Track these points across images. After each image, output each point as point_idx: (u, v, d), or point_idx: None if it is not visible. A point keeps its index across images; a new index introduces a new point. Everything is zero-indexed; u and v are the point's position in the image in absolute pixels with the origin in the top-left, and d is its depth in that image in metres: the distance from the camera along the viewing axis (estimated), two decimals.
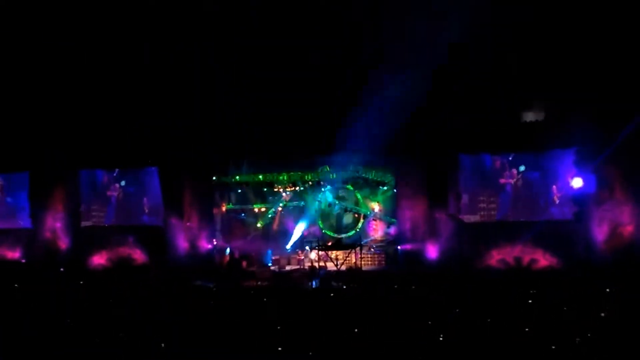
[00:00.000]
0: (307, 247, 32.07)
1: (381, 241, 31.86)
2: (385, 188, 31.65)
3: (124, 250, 31.19)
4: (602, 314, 18.25)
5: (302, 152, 30.12)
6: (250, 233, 33.28)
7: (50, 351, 16.65)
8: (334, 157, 30.37)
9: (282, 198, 32.78)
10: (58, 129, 30.95)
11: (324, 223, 32.51)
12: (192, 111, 29.72)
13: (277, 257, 32.14)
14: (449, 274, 26.10)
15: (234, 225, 33.49)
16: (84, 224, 32.40)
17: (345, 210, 32.34)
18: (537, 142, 27.12)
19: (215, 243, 31.88)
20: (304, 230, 32.66)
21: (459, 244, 27.64)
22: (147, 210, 31.74)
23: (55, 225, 32.07)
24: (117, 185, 32.21)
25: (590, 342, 15.58)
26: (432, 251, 28.01)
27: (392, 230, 31.12)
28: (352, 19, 26.71)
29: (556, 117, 27.48)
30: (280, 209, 33.03)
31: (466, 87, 27.64)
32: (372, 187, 31.92)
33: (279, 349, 15.85)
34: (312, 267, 29.95)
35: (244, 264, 31.69)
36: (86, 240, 31.99)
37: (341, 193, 32.45)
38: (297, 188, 32.31)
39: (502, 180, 27.82)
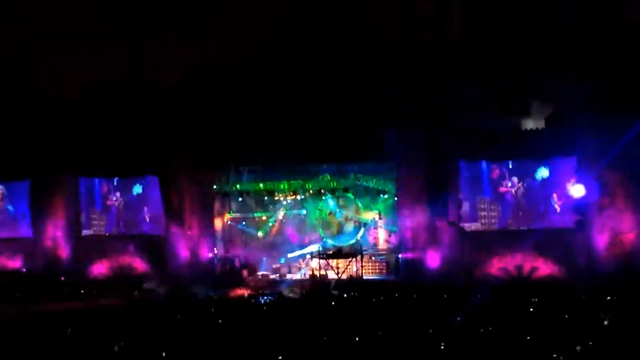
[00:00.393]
0: (307, 255, 32.00)
1: (382, 249, 31.80)
2: (385, 196, 31.59)
3: (125, 259, 31.15)
4: (605, 322, 18.20)
5: (302, 160, 30.10)
6: (251, 242, 33.22)
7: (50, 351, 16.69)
8: (334, 165, 30.36)
9: (282, 206, 32.75)
10: (59, 137, 30.95)
11: (325, 231, 32.46)
12: (193, 118, 29.72)
13: (277, 265, 32.10)
14: (450, 282, 26.06)
15: (234, 234, 33.44)
16: (84, 232, 32.37)
17: (346, 218, 32.29)
18: (538, 150, 27.12)
19: (216, 252, 31.84)
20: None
21: (459, 252, 27.60)
22: (147, 219, 31.73)
23: (55, 234, 32.02)
24: (118, 193, 32.20)
25: (592, 351, 15.52)
26: (433, 259, 27.96)
27: (393, 238, 31.07)
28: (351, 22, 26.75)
29: (557, 125, 27.50)
30: (281, 217, 32.97)
31: (466, 93, 27.64)
32: (372, 195, 31.86)
33: (280, 358, 15.80)
34: (312, 276, 29.92)
35: (245, 272, 31.66)
36: (87, 249, 31.96)
37: (342, 201, 32.40)
38: (298, 196, 32.26)
39: (502, 189, 27.82)
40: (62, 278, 30.52)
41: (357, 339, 17.26)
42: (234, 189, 32.43)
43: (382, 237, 32.02)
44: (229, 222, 33.19)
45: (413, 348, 16.42)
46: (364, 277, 29.64)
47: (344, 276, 29.73)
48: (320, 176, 31.38)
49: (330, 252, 31.34)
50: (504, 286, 25.20)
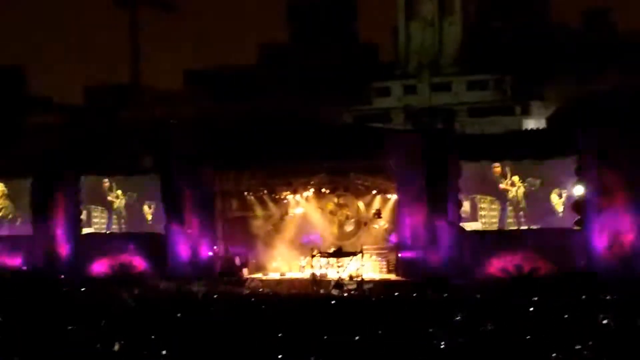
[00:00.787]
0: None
1: (382, 249, 31.82)
2: (386, 195, 31.61)
3: (125, 258, 31.19)
4: (604, 322, 18.23)
5: (304, 158, 30.12)
6: (252, 240, 33.24)
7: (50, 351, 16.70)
8: (335, 163, 30.37)
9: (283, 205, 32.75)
10: (61, 135, 31.01)
11: (325, 230, 32.49)
12: (194, 117, 29.77)
13: (277, 264, 32.14)
14: (450, 282, 26.10)
15: (235, 232, 33.45)
16: (85, 230, 32.39)
17: (347, 217, 32.32)
18: (539, 150, 27.14)
19: (216, 250, 31.87)
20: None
21: (459, 252, 27.63)
22: (148, 217, 31.76)
23: (56, 232, 32.04)
24: (119, 191, 32.21)
25: (591, 350, 15.54)
26: (432, 259, 27.99)
27: (393, 237, 31.09)
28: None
29: (557, 125, 27.55)
30: (281, 216, 32.99)
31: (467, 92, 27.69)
32: (372, 194, 31.88)
33: (279, 356, 15.82)
34: (312, 275, 29.93)
35: (245, 271, 31.69)
36: (87, 247, 31.99)
37: (342, 200, 32.43)
38: (299, 195, 32.30)
39: (501, 186, 27.80)
40: (62, 276, 30.55)
41: (356, 338, 17.29)
42: (234, 187, 32.45)
43: (382, 236, 32.03)
44: (229, 220, 33.15)
45: (413, 347, 16.45)
46: (364, 276, 29.65)
47: (344, 275, 29.74)
48: (320, 175, 31.40)
49: (331, 251, 31.38)
50: (504, 286, 25.23)
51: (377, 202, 31.72)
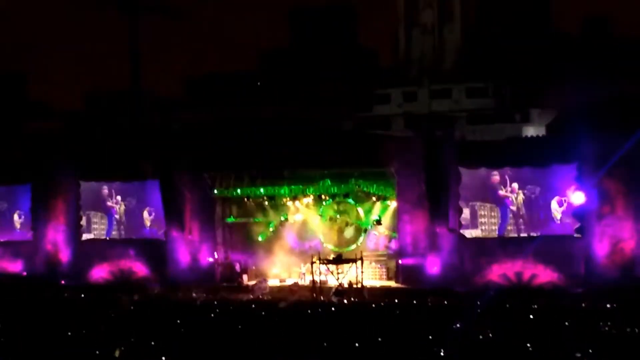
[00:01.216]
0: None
1: (382, 255, 31.80)
2: (386, 201, 31.60)
3: (125, 263, 31.19)
4: (604, 329, 18.24)
5: (303, 165, 30.12)
6: (251, 246, 33.21)
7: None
8: (335, 170, 30.37)
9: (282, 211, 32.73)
10: (60, 141, 31.02)
11: (325, 237, 32.46)
12: (194, 124, 29.80)
13: (277, 270, 32.11)
14: (449, 288, 26.11)
15: (235, 239, 33.44)
16: (85, 236, 32.37)
17: (347, 224, 32.28)
18: (538, 157, 27.16)
19: (216, 256, 31.87)
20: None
21: (459, 259, 27.64)
22: (148, 223, 31.76)
23: (56, 237, 32.04)
24: (119, 197, 32.21)
25: (591, 357, 15.56)
26: (432, 265, 28.00)
27: (393, 244, 31.07)
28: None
29: (557, 132, 27.57)
30: (281, 222, 32.96)
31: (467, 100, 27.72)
32: (372, 201, 31.88)
33: None
34: (312, 282, 29.91)
35: (245, 277, 31.68)
36: (87, 253, 31.97)
37: (342, 207, 32.41)
38: (298, 202, 32.29)
39: (501, 193, 27.78)
40: (63, 282, 30.55)
41: (356, 344, 17.30)
42: (234, 193, 32.44)
43: (382, 242, 32.01)
44: (229, 226, 33.15)
45: (413, 354, 16.46)
46: (364, 283, 29.62)
47: (344, 282, 29.70)
48: (320, 181, 31.40)
49: (331, 258, 31.34)
50: (504, 292, 25.23)
51: (377, 209, 31.72)
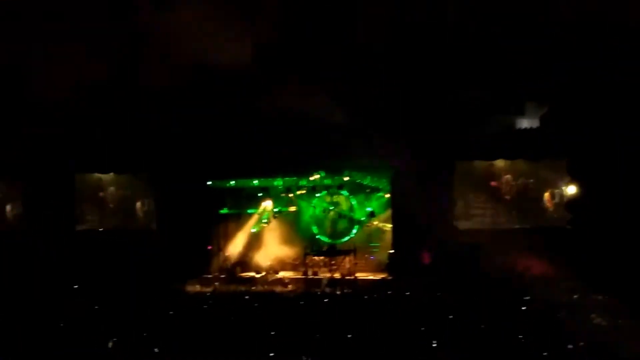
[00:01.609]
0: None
1: (375, 247, 31.85)
2: (380, 194, 31.65)
3: (120, 255, 31.12)
4: (595, 321, 18.29)
5: (297, 157, 30.08)
6: (245, 238, 33.24)
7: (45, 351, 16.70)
8: (328, 162, 30.35)
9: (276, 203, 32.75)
10: (55, 132, 30.87)
11: (319, 229, 32.50)
12: (187, 114, 29.68)
13: (270, 262, 32.16)
14: (442, 280, 26.13)
15: (228, 230, 33.45)
16: (79, 227, 32.32)
17: (340, 216, 32.33)
18: (532, 149, 27.20)
19: (209, 248, 31.87)
20: None
21: (453, 251, 27.66)
22: (141, 215, 31.72)
23: (49, 229, 31.94)
24: (112, 188, 32.16)
25: (583, 350, 15.61)
26: (426, 257, 28.02)
27: (387, 236, 31.12)
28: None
29: (551, 124, 27.56)
30: (274, 214, 32.98)
31: (461, 93, 27.68)
32: (366, 193, 31.92)
33: (271, 354, 15.85)
34: (306, 273, 29.98)
35: (238, 269, 31.72)
36: (81, 244, 31.89)
37: (336, 198, 32.44)
38: (292, 194, 32.31)
39: (494, 183, 27.83)
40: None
41: (349, 336, 17.32)
42: (227, 185, 32.43)
43: (375, 234, 32.06)
44: (222, 218, 33.16)
45: (405, 346, 16.49)
46: (357, 275, 29.69)
47: (337, 274, 29.78)
48: (314, 173, 31.40)
49: (323, 250, 31.42)
50: (497, 284, 25.25)
51: (370, 201, 31.77)
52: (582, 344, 15.94)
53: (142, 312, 21.82)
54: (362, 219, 31.92)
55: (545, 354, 15.27)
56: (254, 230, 33.13)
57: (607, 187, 25.83)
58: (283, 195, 32.54)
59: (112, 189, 32.16)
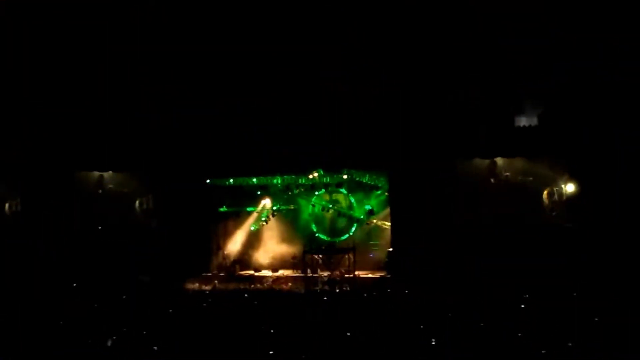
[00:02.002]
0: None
1: (374, 245, 31.86)
2: (379, 192, 31.66)
3: (117, 253, 31.07)
4: (595, 319, 18.31)
5: (296, 155, 30.07)
6: (243, 236, 33.26)
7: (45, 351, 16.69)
8: (327, 160, 30.33)
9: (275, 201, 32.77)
10: (53, 130, 30.84)
11: (318, 227, 32.52)
12: (186, 113, 29.66)
13: (269, 260, 32.18)
14: (441, 278, 26.14)
15: (227, 228, 33.47)
16: (78, 226, 32.22)
17: (339, 214, 32.33)
18: (531, 147, 27.21)
19: (209, 246, 31.93)
20: None
21: (451, 249, 27.65)
22: (140, 213, 31.67)
23: (48, 227, 31.86)
24: (110, 186, 32.08)
25: (583, 348, 15.62)
26: (425, 255, 27.99)
27: (386, 234, 31.12)
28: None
29: (549, 123, 27.57)
30: (273, 212, 32.99)
31: (460, 92, 27.67)
32: (365, 191, 31.94)
33: (271, 352, 15.85)
34: (305, 272, 29.98)
35: (237, 267, 31.75)
36: (80, 242, 31.82)
37: (335, 196, 32.46)
38: (291, 192, 32.33)
39: (493, 180, 27.84)
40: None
41: (348, 334, 17.34)
42: (226, 183, 32.43)
43: (374, 232, 32.07)
44: (221, 216, 33.16)
45: (404, 344, 16.50)
46: (356, 273, 29.70)
47: (336, 272, 29.79)
48: (313, 171, 31.40)
49: (323, 248, 31.43)
50: (495, 282, 25.27)
51: (370, 199, 31.79)
52: (581, 342, 15.97)
53: (141, 310, 21.87)
54: (361, 217, 31.93)
55: (543, 352, 15.29)
56: (253, 228, 33.14)
57: (606, 185, 25.87)
58: (282, 193, 32.57)
59: (111, 187, 32.07)
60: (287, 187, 32.25)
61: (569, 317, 18.84)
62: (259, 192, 32.82)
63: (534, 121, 28.37)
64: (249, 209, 33.30)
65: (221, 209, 33.17)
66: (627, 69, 25.51)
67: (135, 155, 30.97)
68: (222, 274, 30.95)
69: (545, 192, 27.32)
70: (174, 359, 16.26)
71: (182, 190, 30.69)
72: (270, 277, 30.47)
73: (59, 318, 19.99)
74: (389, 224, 30.31)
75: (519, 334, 16.87)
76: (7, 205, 32.08)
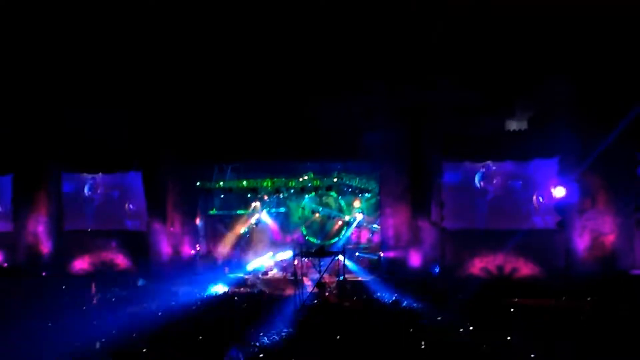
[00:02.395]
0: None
1: (364, 248, 31.90)
2: (368, 195, 31.70)
3: (107, 255, 31.01)
4: (582, 320, 18.39)
5: (286, 158, 30.07)
6: (233, 239, 33.24)
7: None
8: (317, 163, 30.36)
9: (265, 204, 32.78)
10: (42, 131, 30.74)
11: (308, 230, 32.53)
12: (177, 115, 29.62)
13: (259, 263, 32.15)
14: (431, 282, 26.19)
15: (217, 231, 33.46)
16: (67, 227, 32.17)
17: (329, 217, 32.36)
18: (520, 151, 27.29)
19: (198, 249, 31.84)
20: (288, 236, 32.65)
21: (441, 252, 27.72)
22: (130, 215, 31.62)
23: (37, 228, 31.79)
24: (101, 189, 32.02)
25: (570, 350, 15.68)
26: (414, 258, 28.07)
27: (375, 237, 31.17)
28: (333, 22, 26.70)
29: (539, 126, 27.66)
30: (263, 215, 33.01)
31: (451, 95, 27.72)
32: (355, 194, 31.97)
33: (261, 355, 15.84)
34: (295, 274, 29.95)
35: (226, 270, 31.72)
36: (69, 244, 31.76)
37: (325, 200, 32.49)
38: (281, 195, 32.35)
39: (484, 190, 27.93)
40: (44, 273, 30.37)
41: (337, 337, 17.34)
42: (217, 186, 32.42)
43: (364, 235, 32.12)
44: (211, 219, 33.17)
45: (393, 347, 16.51)
46: (346, 276, 29.69)
47: (326, 275, 29.76)
48: (303, 174, 31.43)
49: (313, 251, 31.39)
50: (485, 286, 25.33)
51: (360, 202, 31.83)
52: (569, 343, 16.03)
53: (131, 312, 21.84)
54: (351, 220, 31.96)
55: (532, 355, 15.34)
56: (243, 231, 33.15)
57: (595, 188, 26.00)
58: (272, 196, 32.59)
59: (100, 189, 32.00)
60: (277, 190, 32.24)
61: (557, 319, 18.93)
62: (249, 195, 32.81)
63: (524, 125, 28.48)
64: (239, 212, 33.30)
65: (211, 212, 33.16)
66: (616, 72, 25.62)
67: (126, 156, 30.90)
68: (211, 276, 30.88)
69: (534, 195, 27.40)
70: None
71: (172, 192, 30.64)
72: (260, 279, 30.43)
73: (47, 319, 19.96)
74: (379, 226, 30.34)
75: (508, 337, 16.90)
76: None
